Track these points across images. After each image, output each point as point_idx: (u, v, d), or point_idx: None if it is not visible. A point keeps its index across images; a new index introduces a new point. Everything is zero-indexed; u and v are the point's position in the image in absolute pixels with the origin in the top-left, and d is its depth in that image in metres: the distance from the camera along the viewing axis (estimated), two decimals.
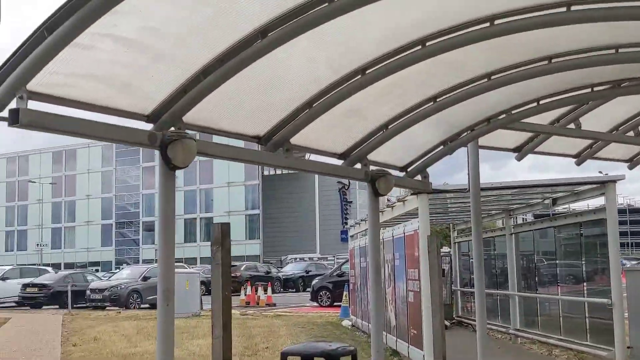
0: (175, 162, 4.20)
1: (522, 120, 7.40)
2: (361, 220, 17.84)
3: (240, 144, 5.89)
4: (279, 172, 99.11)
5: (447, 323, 19.16)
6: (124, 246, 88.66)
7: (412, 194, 11.25)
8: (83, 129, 3.83)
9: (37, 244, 66.81)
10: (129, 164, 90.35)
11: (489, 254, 17.92)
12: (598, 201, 11.80)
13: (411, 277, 11.40)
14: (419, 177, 7.04)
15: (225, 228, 5.52)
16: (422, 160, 7.00)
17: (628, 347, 11.45)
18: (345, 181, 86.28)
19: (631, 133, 8.78)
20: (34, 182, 79.96)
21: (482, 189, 11.59)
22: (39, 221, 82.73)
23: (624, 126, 8.69)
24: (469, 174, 7.41)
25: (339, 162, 6.17)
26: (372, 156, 6.33)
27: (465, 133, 6.90)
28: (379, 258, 6.27)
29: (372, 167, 6.34)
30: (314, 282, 30.02)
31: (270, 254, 78.28)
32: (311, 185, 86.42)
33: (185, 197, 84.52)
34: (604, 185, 11.06)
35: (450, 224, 20.79)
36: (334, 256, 55.30)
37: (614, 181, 10.96)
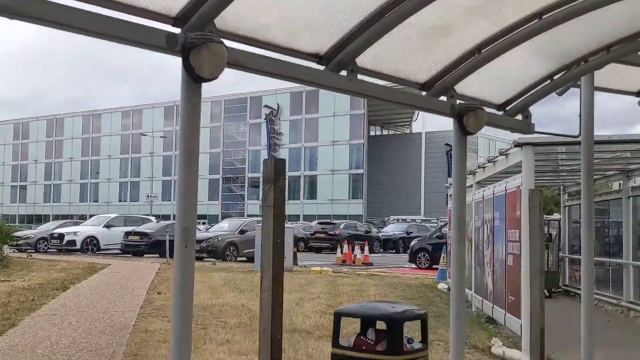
0: (200, 72, 3.38)
1: None
2: None
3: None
4: (385, 132, 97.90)
5: (552, 291, 17.86)
6: (230, 201, 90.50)
7: (515, 146, 10.07)
8: (91, 23, 3.08)
9: (148, 195, 69.00)
10: (237, 120, 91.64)
11: (603, 220, 16.35)
12: None
13: (511, 238, 10.28)
14: (519, 117, 5.94)
15: (280, 164, 4.69)
16: (524, 97, 5.88)
17: None
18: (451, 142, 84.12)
19: None
20: (146, 135, 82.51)
21: (597, 142, 10.28)
22: (150, 173, 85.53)
23: None
24: (580, 118, 6.22)
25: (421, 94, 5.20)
26: (461, 88, 5.30)
27: (578, 65, 5.72)
28: (464, 209, 5.30)
29: (461, 102, 5.33)
30: (412, 243, 29.07)
31: (374, 214, 77.60)
32: (417, 145, 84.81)
33: (290, 154, 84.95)
34: None
35: (561, 187, 19.20)
36: (437, 218, 53.97)
37: None
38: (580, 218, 18.57)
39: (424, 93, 5.22)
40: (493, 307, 11.66)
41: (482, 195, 12.98)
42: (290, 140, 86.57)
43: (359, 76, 4.55)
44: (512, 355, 8.94)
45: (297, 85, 75.06)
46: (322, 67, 4.45)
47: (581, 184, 6.25)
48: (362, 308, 4.69)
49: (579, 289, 17.05)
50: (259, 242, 21.90)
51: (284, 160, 4.80)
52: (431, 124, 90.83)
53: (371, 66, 4.65)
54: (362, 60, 4.48)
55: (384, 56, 4.64)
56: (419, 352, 4.35)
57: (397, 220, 54.04)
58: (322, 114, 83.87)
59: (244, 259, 27.95)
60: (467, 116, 5.18)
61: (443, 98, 5.25)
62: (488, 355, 9.17)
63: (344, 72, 4.42)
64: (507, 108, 6.00)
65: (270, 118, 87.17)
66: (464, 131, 5.23)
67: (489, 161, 12.58)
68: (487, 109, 5.91)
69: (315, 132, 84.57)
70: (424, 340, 4.66)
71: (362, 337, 4.27)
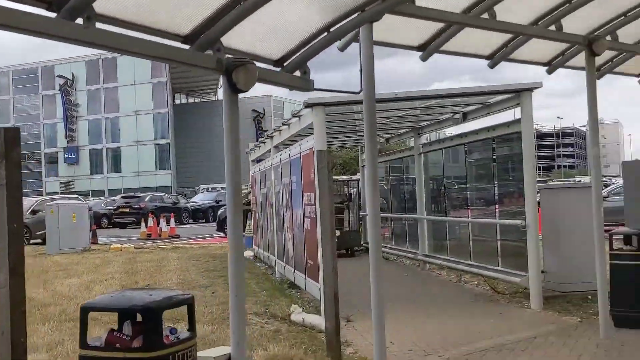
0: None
1: (428, 6, 6.00)
2: (261, 142, 16.31)
3: None
4: (191, 99, 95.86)
5: (355, 250, 18.22)
6: (26, 179, 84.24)
7: (306, 107, 9.80)
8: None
9: None
10: (28, 92, 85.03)
11: (400, 177, 16.84)
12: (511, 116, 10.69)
13: (307, 201, 10.05)
14: (297, 73, 5.54)
15: (11, 135, 3.92)
16: (301, 51, 5.49)
17: (542, 272, 10.60)
18: (260, 109, 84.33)
19: (553, 28, 7.51)
20: None
21: (382, 100, 10.30)
22: None
23: (545, 19, 7.40)
24: (361, 73, 5.96)
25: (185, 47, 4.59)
26: (230, 41, 4.77)
27: (354, 15, 5.41)
28: (238, 176, 4.82)
29: (230, 57, 4.79)
30: (220, 211, 28.55)
31: (185, 184, 75.97)
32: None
33: (90, 126, 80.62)
34: (518, 94, 9.90)
35: (359, 147, 19.56)
36: (246, 185, 53.79)
37: (530, 90, 9.81)
38: (380, 175, 19.11)
39: (188, 47, 4.62)
40: (294, 272, 11.47)
41: (279, 159, 12.71)
42: (89, 111, 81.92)
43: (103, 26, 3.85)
44: (312, 321, 8.75)
45: (93, 52, 70.86)
46: (53, 15, 3.69)
47: (365, 142, 6.01)
48: (113, 299, 4.05)
49: (382, 246, 17.52)
50: (51, 223, 19.94)
51: (16, 129, 4.02)
52: None
53: (117, 13, 3.96)
54: (103, 6, 3.78)
55: (133, 3, 3.97)
56: (184, 342, 3.83)
57: (207, 189, 53.14)
58: (122, 83, 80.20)
59: (39, 240, 25.87)
60: (237, 72, 4.66)
61: (210, 52, 4.69)
62: (288, 323, 8.91)
63: (79, 20, 3.70)
64: (285, 64, 5.57)
65: (65, 89, 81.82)
66: (233, 88, 4.71)
67: (283, 124, 12.30)
68: (265, 66, 5.45)
69: (115, 102, 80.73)
70: (192, 328, 4.14)
71: (116, 333, 3.67)
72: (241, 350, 4.73)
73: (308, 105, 9.47)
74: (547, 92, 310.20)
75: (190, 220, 40.47)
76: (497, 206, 11.28)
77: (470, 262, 11.91)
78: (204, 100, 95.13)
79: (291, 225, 11.71)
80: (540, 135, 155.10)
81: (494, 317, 9.20)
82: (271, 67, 5.53)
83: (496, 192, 11.28)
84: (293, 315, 9.15)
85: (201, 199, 44.17)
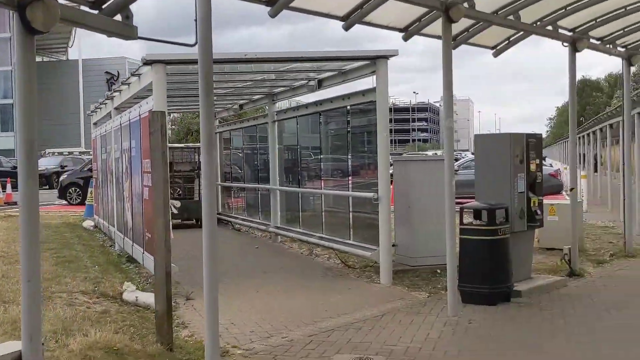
0: None
1: None
2: (101, 104, 15.02)
3: None
4: (39, 58, 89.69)
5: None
6: None
7: (144, 64, 8.86)
8: None
9: None
10: None
11: (254, 146, 16.18)
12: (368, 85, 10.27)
13: (146, 169, 9.15)
14: (118, 17, 4.68)
15: None
16: None
17: (393, 245, 10.37)
18: (114, 71, 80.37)
19: None
20: None
21: (232, 61, 9.55)
22: None
23: None
24: (196, 23, 5.19)
25: None
26: None
27: None
28: (33, 143, 3.93)
29: None
30: (62, 177, 26.69)
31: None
32: (74, 73, 79.39)
33: None
34: (374, 62, 9.48)
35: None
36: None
37: (386, 57, 9.41)
38: (232, 143, 18.35)
39: None
40: (133, 245, 10.57)
41: (119, 122, 11.64)
42: None
43: None
44: (146, 300, 7.93)
45: None
46: None
47: (200, 103, 5.27)
48: None
49: (233, 217, 16.81)
50: None
51: None
52: (91, 51, 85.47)
53: None
54: None
55: None
56: None
57: (53, 153, 49.92)
58: None
59: None
60: (32, 8, 3.76)
61: None
62: (119, 303, 8.05)
63: None
64: (104, 6, 4.69)
65: None
66: (28, 28, 3.81)
67: (123, 83, 11.25)
68: (82, 8, 4.56)
69: None
70: None
71: None
72: (35, 347, 3.91)
73: (147, 63, 8.54)
74: (404, 67, 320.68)
75: None
76: (350, 178, 10.91)
77: (321, 235, 11.51)
78: (54, 59, 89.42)
79: (130, 195, 10.77)
80: (397, 110, 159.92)
81: (342, 293, 8.81)
82: (86, 9, 4.64)
83: (350, 164, 10.90)
84: (125, 294, 8.29)
85: (45, 163, 41.27)
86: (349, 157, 10.93)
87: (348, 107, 10.68)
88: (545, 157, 30.65)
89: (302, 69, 11.00)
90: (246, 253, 12.50)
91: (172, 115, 77.49)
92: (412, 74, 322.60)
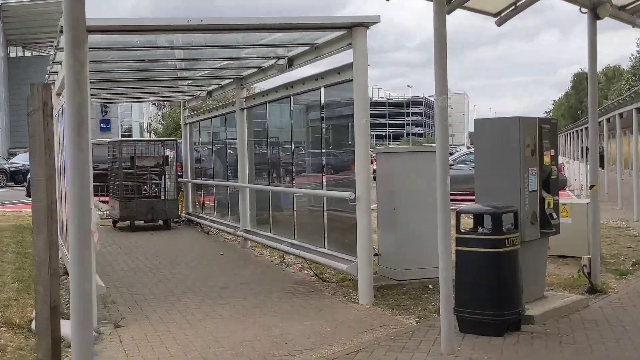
0: None
1: None
2: None
3: None
4: (28, 53, 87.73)
5: (174, 221, 15.68)
6: None
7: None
8: None
9: None
10: None
11: (223, 138, 14.42)
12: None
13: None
14: None
15: None
16: None
17: (375, 255, 8.64)
18: None
19: None
20: None
21: (154, 29, 7.76)
22: None
23: None
24: None
25: None
26: None
27: None
28: None
29: None
30: (30, 174, 24.80)
31: (19, 144, 69.16)
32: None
33: None
34: (350, 31, 7.71)
35: (181, 101, 16.88)
36: None
37: (365, 25, 7.65)
38: (202, 136, 16.56)
39: None
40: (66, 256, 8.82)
41: (61, 110, 9.85)
42: None
43: None
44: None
45: None
46: None
47: (64, 53, 3.53)
48: None
49: (202, 217, 15.05)
50: None
51: None
52: None
53: None
54: None
55: None
56: None
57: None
58: None
59: None
60: None
61: None
62: (24, 334, 6.36)
63: None
64: None
65: None
66: None
67: (54, 62, 9.45)
68: None
69: None
70: None
71: None
72: None
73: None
74: (399, 61, 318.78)
75: (10, 183, 35.99)
76: (325, 174, 9.16)
77: (292, 242, 9.76)
78: (43, 54, 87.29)
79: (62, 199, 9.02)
80: (391, 104, 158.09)
81: (310, 318, 7.06)
82: None
83: (325, 157, 9.16)
84: (35, 323, 6.52)
85: (22, 159, 39.41)
86: (324, 149, 9.17)
87: (322, 88, 8.93)
88: None
89: (267, 44, 9.24)
90: (207, 262, 10.74)
91: (162, 109, 75.55)
92: (407, 68, 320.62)
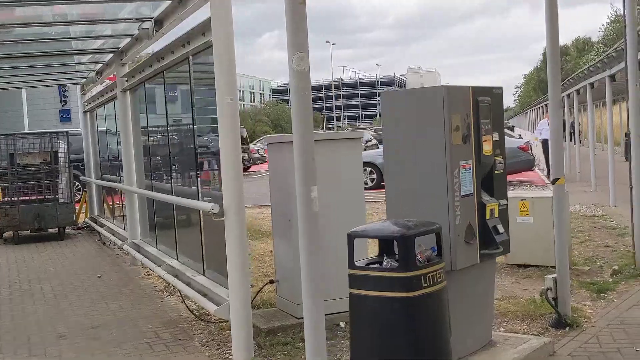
0: None
1: None
2: None
3: None
4: None
5: (75, 228, 13.32)
6: None
7: None
8: None
9: None
10: None
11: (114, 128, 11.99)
12: None
13: None
14: None
15: None
16: None
17: (271, 282, 6.40)
18: None
19: None
20: None
21: None
22: None
23: None
24: None
25: None
26: None
27: None
28: None
29: None
30: None
31: None
32: None
33: None
34: None
35: (78, 85, 14.34)
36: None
37: None
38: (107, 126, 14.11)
39: None
40: None
41: None
42: None
43: None
44: None
45: None
46: None
47: None
48: None
49: (99, 225, 12.58)
50: None
51: None
52: None
53: None
54: None
55: None
56: None
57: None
58: None
59: None
60: None
61: None
62: None
63: None
64: None
65: None
66: None
67: None
68: None
69: None
70: None
71: None
72: None
73: None
74: (372, 41, 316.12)
75: None
76: (198, 172, 6.83)
77: (171, 263, 7.45)
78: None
79: None
80: (362, 84, 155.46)
81: None
82: None
83: (196, 151, 6.80)
84: None
85: None
86: (195, 139, 6.82)
87: (190, 57, 6.58)
88: (514, 127, 26.79)
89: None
90: (74, 289, 8.40)
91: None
92: (381, 47, 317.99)
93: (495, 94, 5.09)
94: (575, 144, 22.96)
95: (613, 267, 7.64)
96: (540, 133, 20.90)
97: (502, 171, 5.10)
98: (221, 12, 5.29)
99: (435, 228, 4.26)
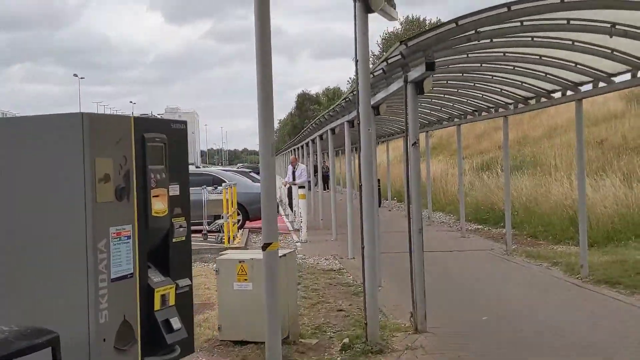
0: None
1: None
2: None
3: None
4: None
5: None
6: None
7: None
8: None
9: None
10: None
11: None
12: None
13: None
14: None
15: None
16: None
17: None
18: None
19: None
20: None
21: None
22: None
23: None
24: None
25: None
26: None
27: None
28: None
29: None
30: None
31: None
32: None
33: None
34: None
35: None
36: None
37: None
38: None
39: None
40: None
41: None
42: None
43: None
44: None
45: None
46: None
47: None
48: None
49: None
50: None
51: None
52: None
53: None
54: None
55: None
56: None
57: None
58: None
59: None
60: None
61: None
62: None
63: None
64: None
65: None
66: None
67: None
68: None
69: None
70: None
71: None
72: None
73: None
74: (133, 80, 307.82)
75: None
76: None
77: None
78: None
79: None
80: None
81: None
82: None
83: None
84: None
85: None
86: None
87: None
88: (251, 170, 26.07)
89: None
90: None
91: None
92: (140, 86, 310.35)
93: (174, 129, 3.63)
94: (327, 189, 22.67)
95: (344, 340, 6.53)
96: (288, 178, 20.32)
97: (183, 238, 3.64)
98: None
99: (47, 339, 2.62)
